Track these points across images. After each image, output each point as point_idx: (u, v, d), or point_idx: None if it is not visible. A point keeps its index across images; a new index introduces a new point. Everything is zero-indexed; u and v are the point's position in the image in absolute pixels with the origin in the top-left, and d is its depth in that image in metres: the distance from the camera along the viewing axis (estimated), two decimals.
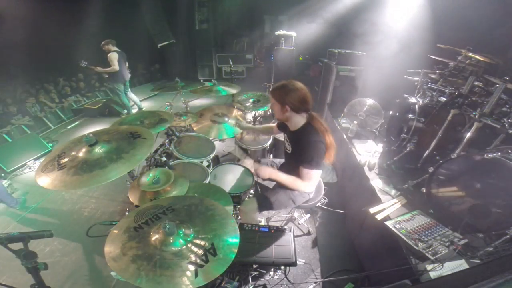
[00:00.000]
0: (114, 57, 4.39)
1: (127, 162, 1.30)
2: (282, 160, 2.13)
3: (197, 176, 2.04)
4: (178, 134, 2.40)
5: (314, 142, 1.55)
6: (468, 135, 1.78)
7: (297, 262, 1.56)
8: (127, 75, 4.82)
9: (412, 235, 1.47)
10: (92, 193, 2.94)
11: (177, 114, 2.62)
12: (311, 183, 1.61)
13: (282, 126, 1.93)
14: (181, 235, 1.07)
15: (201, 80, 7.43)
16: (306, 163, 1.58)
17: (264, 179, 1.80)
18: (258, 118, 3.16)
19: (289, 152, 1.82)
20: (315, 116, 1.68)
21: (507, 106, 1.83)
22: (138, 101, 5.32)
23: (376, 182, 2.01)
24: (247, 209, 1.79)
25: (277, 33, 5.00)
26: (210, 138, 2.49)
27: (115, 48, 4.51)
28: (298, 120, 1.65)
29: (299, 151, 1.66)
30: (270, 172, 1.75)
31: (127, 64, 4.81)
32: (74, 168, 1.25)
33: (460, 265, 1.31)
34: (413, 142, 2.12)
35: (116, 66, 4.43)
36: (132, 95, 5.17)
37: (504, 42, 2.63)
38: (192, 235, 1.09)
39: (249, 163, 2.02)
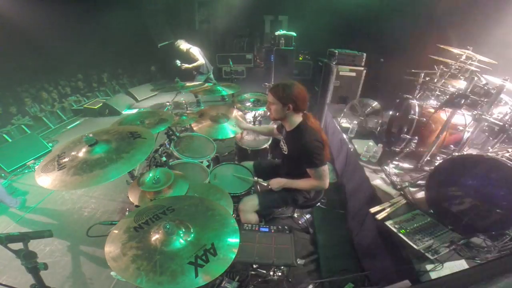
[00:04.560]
0: (196, 51, 4.59)
1: (127, 162, 1.30)
2: None
3: (197, 176, 2.04)
4: (178, 134, 2.40)
5: (310, 141, 1.57)
6: (468, 135, 1.78)
7: (297, 262, 1.56)
8: (210, 67, 4.98)
9: (412, 235, 1.47)
10: (92, 193, 2.93)
11: (177, 114, 2.63)
12: (323, 180, 1.65)
13: (280, 128, 1.94)
14: (181, 235, 1.07)
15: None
16: (310, 164, 1.60)
17: (276, 189, 1.81)
18: (258, 118, 3.16)
19: (285, 153, 1.82)
20: (309, 115, 1.71)
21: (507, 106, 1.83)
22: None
23: (376, 182, 2.01)
24: (247, 209, 1.79)
25: (277, 33, 5.00)
26: (210, 138, 2.49)
27: (190, 44, 4.67)
28: (295, 120, 1.67)
29: (295, 152, 1.67)
30: (280, 182, 1.78)
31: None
32: (74, 168, 1.25)
33: (460, 265, 1.31)
34: (413, 142, 2.12)
35: (201, 60, 4.62)
36: None
37: (504, 42, 2.63)
38: (192, 235, 1.09)
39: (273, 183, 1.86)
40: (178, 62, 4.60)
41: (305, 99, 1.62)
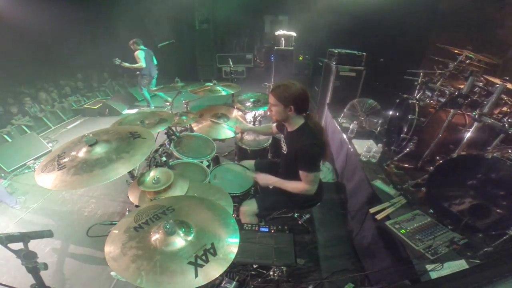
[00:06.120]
0: (140, 55, 4.83)
1: (127, 162, 1.30)
2: None
3: (197, 176, 2.04)
4: (178, 134, 2.40)
5: (310, 144, 1.56)
6: (468, 135, 1.78)
7: (297, 262, 1.56)
8: (154, 72, 5.19)
9: (412, 235, 1.47)
10: (92, 193, 2.94)
11: (177, 114, 2.63)
12: (312, 185, 1.64)
13: (280, 127, 1.94)
14: (181, 235, 1.07)
15: (201, 80, 7.43)
16: (304, 167, 1.60)
17: (263, 185, 1.83)
18: (258, 118, 3.16)
19: (284, 152, 1.82)
20: (311, 115, 1.70)
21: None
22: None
23: (376, 182, 2.01)
24: (247, 210, 1.79)
25: (277, 33, 5.00)
26: (210, 138, 2.50)
27: (141, 47, 4.89)
28: (297, 121, 1.67)
29: (294, 153, 1.67)
30: (268, 179, 1.79)
31: (155, 62, 5.21)
32: (74, 168, 1.25)
33: (460, 265, 1.31)
34: (413, 142, 2.12)
35: (143, 63, 4.85)
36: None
37: (504, 42, 2.64)
38: (192, 235, 1.09)
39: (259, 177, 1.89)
40: (117, 60, 4.71)
41: (306, 100, 1.61)
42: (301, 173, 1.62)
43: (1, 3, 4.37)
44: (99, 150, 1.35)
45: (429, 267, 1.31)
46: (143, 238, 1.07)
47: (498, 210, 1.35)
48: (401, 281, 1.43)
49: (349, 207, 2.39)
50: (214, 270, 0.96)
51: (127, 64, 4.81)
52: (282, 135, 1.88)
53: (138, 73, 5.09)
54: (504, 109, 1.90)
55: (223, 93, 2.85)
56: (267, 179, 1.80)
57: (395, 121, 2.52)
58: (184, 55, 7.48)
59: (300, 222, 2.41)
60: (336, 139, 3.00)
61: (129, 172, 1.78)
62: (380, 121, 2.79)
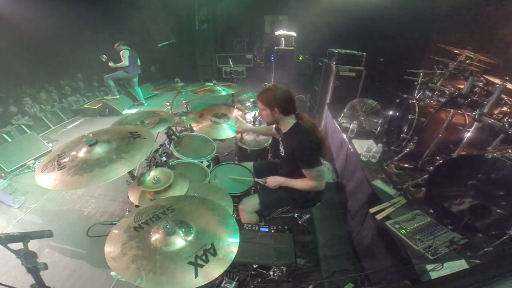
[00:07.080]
0: (125, 54, 5.18)
1: (127, 162, 1.30)
2: None
3: (197, 176, 2.04)
4: (178, 134, 2.40)
5: (303, 143, 1.58)
6: (468, 135, 1.78)
7: (297, 262, 1.56)
8: (137, 71, 5.55)
9: (412, 235, 1.47)
10: (92, 193, 2.93)
11: (177, 114, 2.63)
12: (318, 181, 1.65)
13: (278, 129, 1.95)
14: (181, 235, 1.07)
15: (201, 80, 7.43)
16: (305, 164, 1.61)
17: (273, 187, 1.83)
18: (258, 118, 3.16)
19: (282, 154, 1.84)
20: (302, 115, 1.72)
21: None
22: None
23: (376, 182, 2.01)
24: (247, 209, 1.80)
25: (277, 33, 4.99)
26: (210, 138, 2.50)
27: (125, 47, 5.25)
28: (288, 122, 1.69)
29: (290, 153, 1.68)
30: (278, 180, 1.79)
31: (139, 62, 5.55)
32: (74, 168, 1.25)
33: (460, 265, 1.31)
34: (413, 142, 2.12)
35: (126, 61, 5.19)
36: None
37: (504, 42, 2.64)
38: (192, 235, 1.09)
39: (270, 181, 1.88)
40: (104, 56, 5.01)
41: (289, 100, 1.63)
42: (304, 171, 1.64)
43: (1, 3, 4.37)
44: (99, 150, 1.35)
45: (429, 267, 1.31)
46: (143, 238, 1.07)
47: (498, 210, 1.35)
48: (401, 281, 1.43)
49: (349, 207, 2.39)
50: (214, 270, 0.97)
51: (112, 63, 5.11)
52: (279, 137, 1.89)
53: (121, 70, 5.39)
54: (504, 109, 1.90)
55: (223, 93, 2.85)
56: (277, 180, 1.81)
57: (395, 121, 2.52)
58: (184, 55, 7.47)
59: (300, 222, 2.41)
60: (336, 139, 3.00)
61: (129, 172, 1.78)
62: (380, 121, 2.79)
